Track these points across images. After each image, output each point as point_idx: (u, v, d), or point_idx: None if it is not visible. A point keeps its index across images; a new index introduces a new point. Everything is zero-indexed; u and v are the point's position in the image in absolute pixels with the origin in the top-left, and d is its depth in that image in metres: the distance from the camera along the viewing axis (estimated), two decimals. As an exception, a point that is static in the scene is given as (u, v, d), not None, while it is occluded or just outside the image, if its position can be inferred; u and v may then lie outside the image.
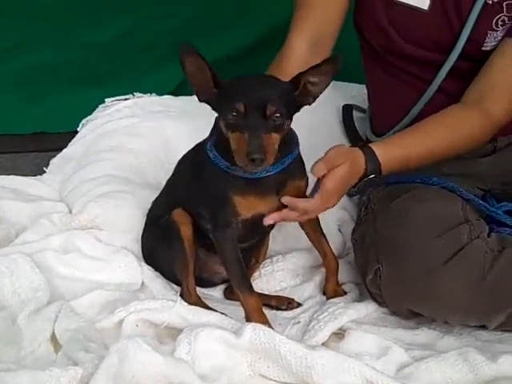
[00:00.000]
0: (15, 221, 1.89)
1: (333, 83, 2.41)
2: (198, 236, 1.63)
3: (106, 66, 2.57)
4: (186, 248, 1.62)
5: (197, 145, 1.65)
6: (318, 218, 1.69)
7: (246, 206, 1.51)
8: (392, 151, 1.65)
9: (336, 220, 1.93)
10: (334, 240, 1.87)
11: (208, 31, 2.57)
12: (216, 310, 1.62)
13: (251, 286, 1.56)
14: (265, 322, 1.54)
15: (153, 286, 1.68)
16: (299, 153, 1.58)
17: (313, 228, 1.69)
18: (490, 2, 1.70)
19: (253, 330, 1.42)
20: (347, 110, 2.25)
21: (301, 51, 1.81)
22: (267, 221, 1.53)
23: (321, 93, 1.49)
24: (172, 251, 1.64)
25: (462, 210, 1.67)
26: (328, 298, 1.73)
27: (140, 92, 2.43)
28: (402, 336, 1.61)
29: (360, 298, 1.73)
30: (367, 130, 2.09)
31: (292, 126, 2.12)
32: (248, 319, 1.56)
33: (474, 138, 1.72)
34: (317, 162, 1.53)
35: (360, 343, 1.51)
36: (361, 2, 1.83)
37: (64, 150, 2.24)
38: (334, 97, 2.31)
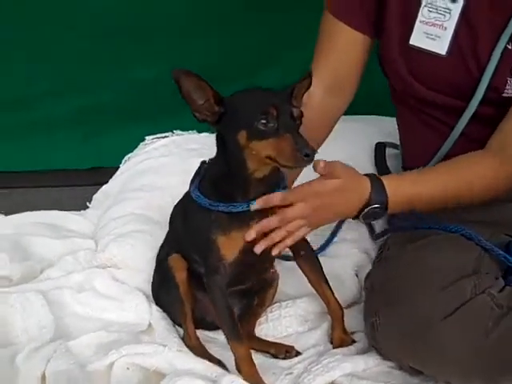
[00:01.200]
0: (44, 257, 1.97)
1: (370, 118, 2.43)
2: (196, 279, 1.64)
3: (154, 103, 2.63)
4: (182, 293, 1.64)
5: (186, 192, 1.66)
6: (318, 261, 1.66)
7: (231, 246, 1.51)
8: (402, 187, 1.60)
9: (354, 264, 1.89)
10: (350, 285, 1.84)
11: (254, 66, 2.59)
12: (211, 356, 1.62)
13: (240, 334, 1.55)
14: (253, 372, 1.52)
15: (157, 328, 1.70)
16: (286, 188, 1.56)
17: (312, 271, 1.66)
18: (510, 47, 1.62)
19: (231, 382, 1.41)
20: (380, 148, 2.19)
21: (318, 96, 1.80)
22: (257, 249, 1.49)
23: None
24: (170, 296, 1.67)
25: (477, 261, 1.59)
26: (334, 347, 1.69)
27: (183, 129, 2.47)
28: (400, 393, 1.54)
29: (369, 349, 1.67)
30: (399, 168, 2.04)
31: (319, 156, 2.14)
32: (237, 368, 1.55)
33: (487, 190, 1.63)
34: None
35: (348, 400, 1.47)
36: (381, 47, 1.79)
37: (104, 186, 2.32)
38: (369, 132, 2.28)
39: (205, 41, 2.59)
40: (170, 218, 1.74)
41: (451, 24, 1.64)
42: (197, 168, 1.63)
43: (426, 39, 1.67)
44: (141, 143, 2.45)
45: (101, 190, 2.33)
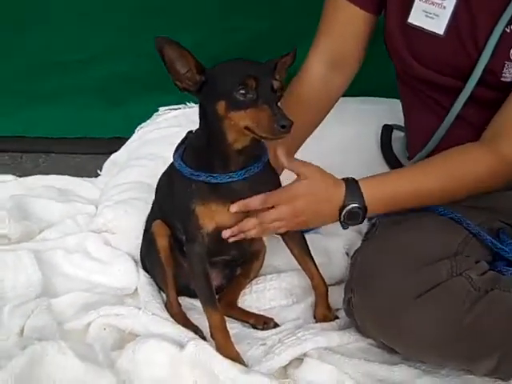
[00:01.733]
0: (44, 219, 2.01)
1: (380, 100, 2.40)
2: (180, 247, 1.65)
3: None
4: (163, 258, 1.66)
5: (171, 162, 1.67)
6: (303, 237, 1.66)
7: (208, 216, 1.52)
8: (382, 186, 1.57)
9: (345, 242, 1.88)
10: (338, 262, 1.84)
11: (278, 47, 2.57)
12: (189, 323, 1.64)
13: (216, 301, 1.56)
14: (226, 339, 1.54)
15: (141, 293, 1.73)
16: (269, 162, 1.57)
17: (297, 247, 1.66)
18: (508, 30, 1.57)
19: (195, 346, 1.44)
20: (386, 130, 2.17)
21: (318, 72, 1.80)
22: (225, 234, 1.52)
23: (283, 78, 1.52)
24: (152, 261, 1.70)
25: (462, 244, 1.56)
26: (317, 322, 1.69)
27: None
28: (375, 371, 1.53)
29: (350, 325, 1.67)
30: (403, 151, 2.02)
31: (327, 139, 2.13)
32: (211, 335, 1.56)
33: (481, 180, 1.58)
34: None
35: (314, 373, 1.47)
36: (385, 25, 1.76)
37: (113, 155, 2.36)
38: (378, 114, 2.25)
39: (218, 16, 2.58)
40: (156, 186, 1.76)
41: (450, 3, 1.61)
42: (183, 137, 1.63)
43: (425, 18, 1.63)
44: (154, 114, 2.47)
45: (110, 158, 2.37)
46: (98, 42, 2.63)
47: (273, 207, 1.51)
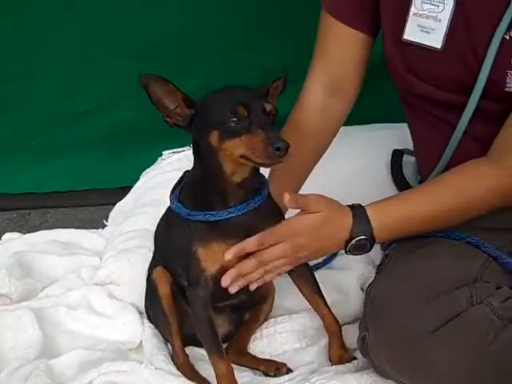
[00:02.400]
0: (47, 275, 1.95)
1: (388, 125, 2.31)
2: (184, 294, 1.56)
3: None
4: (165, 306, 1.58)
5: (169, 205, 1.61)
6: (312, 275, 1.57)
7: (210, 258, 1.43)
8: (387, 212, 1.48)
9: (359, 276, 1.78)
10: (354, 298, 1.75)
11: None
12: (197, 375, 1.55)
13: (222, 349, 1.47)
14: (233, 390, 1.44)
15: (146, 346, 1.64)
16: (270, 195, 1.49)
17: (306, 285, 1.57)
18: (508, 38, 1.48)
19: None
20: (397, 155, 2.08)
21: (317, 98, 1.73)
22: (225, 281, 1.42)
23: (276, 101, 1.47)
24: (154, 311, 1.63)
25: (479, 271, 1.46)
26: (333, 364, 1.58)
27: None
28: (396, 416, 1.42)
29: (368, 366, 1.56)
30: (414, 176, 1.93)
31: (336, 169, 2.05)
32: (218, 387, 1.47)
33: (488, 201, 1.48)
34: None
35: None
36: (383, 45, 1.69)
37: (118, 203, 2.30)
38: (387, 140, 2.17)
39: (229, 58, 2.54)
40: (155, 231, 1.69)
41: (446, 15, 1.53)
42: (179, 177, 1.57)
43: (420, 33, 1.56)
44: (159, 158, 2.42)
45: (115, 207, 2.31)
46: (102, 91, 2.59)
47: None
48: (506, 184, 1.46)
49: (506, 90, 1.50)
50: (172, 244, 1.54)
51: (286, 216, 1.56)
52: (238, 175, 1.41)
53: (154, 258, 1.71)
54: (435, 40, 1.54)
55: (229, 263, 1.42)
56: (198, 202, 1.45)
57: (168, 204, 1.97)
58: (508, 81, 1.49)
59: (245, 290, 1.51)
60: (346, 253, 1.48)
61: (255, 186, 1.45)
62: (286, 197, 1.40)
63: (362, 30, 1.67)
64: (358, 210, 1.46)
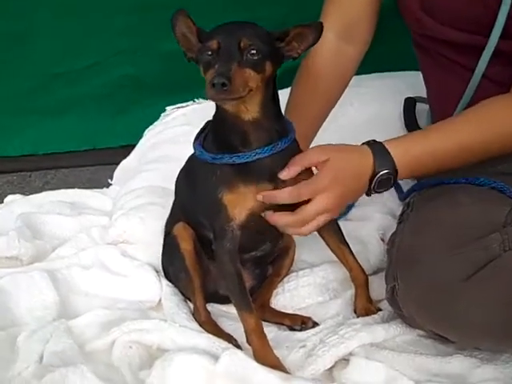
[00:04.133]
0: (57, 235, 1.90)
1: (400, 73, 2.26)
2: (207, 249, 1.53)
3: (185, 75, 2.51)
4: (188, 264, 1.53)
5: (190, 155, 1.56)
6: (338, 226, 1.53)
7: (238, 203, 1.39)
8: (408, 147, 1.44)
9: (378, 226, 1.75)
10: (374, 249, 1.71)
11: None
12: (221, 331, 1.52)
13: (251, 303, 1.43)
14: (263, 344, 1.41)
15: (166, 304, 1.60)
16: (296, 140, 1.44)
17: (332, 237, 1.53)
18: None
19: (229, 356, 1.31)
20: (409, 103, 2.03)
21: (330, 43, 1.68)
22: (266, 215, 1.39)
23: (303, 51, 1.38)
24: (175, 268, 1.58)
25: (508, 215, 1.42)
26: (358, 316, 1.55)
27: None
28: (428, 364, 1.40)
29: (394, 317, 1.53)
30: (429, 124, 1.88)
31: (346, 119, 2.00)
32: (247, 341, 1.44)
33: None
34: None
35: (362, 374, 1.34)
36: None
37: (122, 162, 2.24)
38: (399, 88, 2.12)
39: (232, 12, 2.46)
40: (175, 185, 1.63)
41: None
42: (202, 126, 1.52)
43: None
44: (162, 114, 2.36)
45: (120, 165, 2.26)
46: (100, 47, 2.53)
47: (308, 200, 1.38)
48: None
49: None
50: (196, 194, 1.48)
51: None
52: (242, 113, 1.35)
53: (172, 213, 1.66)
54: None
55: (258, 208, 1.39)
56: (222, 146, 1.40)
57: (179, 161, 1.93)
58: None
59: (271, 237, 1.52)
60: (369, 191, 1.44)
61: (277, 128, 1.40)
62: (284, 172, 1.38)
63: None
64: (376, 146, 1.43)
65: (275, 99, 1.40)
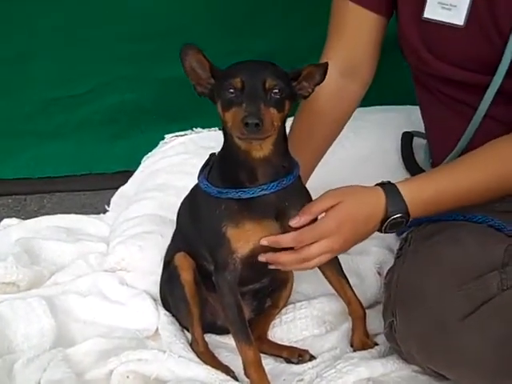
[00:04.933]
0: (54, 261, 1.90)
1: (398, 108, 2.30)
2: (206, 280, 1.54)
3: (183, 103, 2.54)
4: (187, 294, 1.54)
5: (193, 186, 1.57)
6: (337, 259, 1.54)
7: (242, 237, 1.40)
8: (421, 190, 1.46)
9: (376, 261, 1.76)
10: (371, 283, 1.72)
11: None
12: (218, 362, 1.52)
13: (250, 336, 1.44)
14: (261, 377, 1.42)
15: (164, 334, 1.60)
16: (299, 177, 1.47)
17: (331, 270, 1.54)
18: None
19: (229, 389, 1.30)
20: (406, 138, 2.05)
21: (332, 81, 1.68)
22: (262, 258, 1.41)
23: (313, 90, 1.43)
24: (175, 298, 1.59)
25: (505, 254, 1.44)
26: (355, 350, 1.56)
27: (206, 127, 2.39)
28: (423, 401, 1.40)
29: (391, 352, 1.54)
30: (426, 160, 1.90)
31: (345, 152, 2.03)
32: (245, 373, 1.44)
33: None
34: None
35: (361, 409, 1.34)
36: (398, 25, 1.67)
37: (120, 188, 2.25)
38: (396, 122, 2.15)
39: (227, 41, 2.49)
40: (177, 215, 1.65)
41: None
42: (206, 159, 1.53)
43: (441, 10, 1.53)
44: (160, 142, 2.38)
45: (118, 192, 2.26)
46: (100, 73, 2.54)
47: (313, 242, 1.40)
48: None
49: None
50: (199, 226, 1.49)
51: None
52: (255, 150, 1.37)
53: (173, 242, 1.67)
54: (457, 17, 1.51)
55: (260, 245, 1.41)
56: (228, 181, 1.42)
57: (177, 189, 1.96)
58: None
59: (270, 272, 1.52)
60: (381, 232, 1.46)
61: (284, 164, 1.42)
62: (295, 221, 1.40)
63: (377, 12, 1.65)
64: (388, 188, 1.44)
65: (285, 136, 1.43)
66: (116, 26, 2.47)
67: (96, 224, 2.15)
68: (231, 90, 1.33)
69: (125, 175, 2.41)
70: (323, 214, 1.43)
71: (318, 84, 1.40)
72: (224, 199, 1.40)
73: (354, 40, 1.68)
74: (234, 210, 1.39)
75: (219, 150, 1.48)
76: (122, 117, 2.60)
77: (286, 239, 1.40)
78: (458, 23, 1.51)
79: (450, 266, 1.39)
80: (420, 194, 1.45)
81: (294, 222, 1.40)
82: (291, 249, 1.42)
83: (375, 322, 1.61)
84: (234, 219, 1.39)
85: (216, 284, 1.46)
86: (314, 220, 1.43)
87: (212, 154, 1.51)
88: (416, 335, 1.37)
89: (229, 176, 1.41)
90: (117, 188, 2.36)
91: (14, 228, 2.10)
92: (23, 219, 2.21)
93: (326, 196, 1.43)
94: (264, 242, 1.39)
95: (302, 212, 1.41)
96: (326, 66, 1.38)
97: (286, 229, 1.42)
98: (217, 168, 1.45)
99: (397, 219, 1.43)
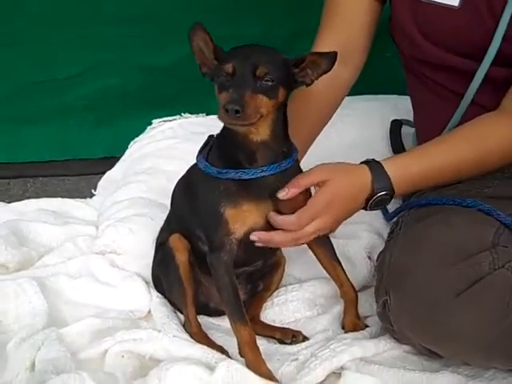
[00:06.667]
0: (43, 243, 1.89)
1: (387, 96, 2.32)
2: (201, 261, 1.54)
3: (169, 89, 2.54)
4: (182, 275, 1.54)
5: (189, 167, 1.57)
6: (330, 243, 1.56)
7: (239, 219, 1.41)
8: (406, 167, 1.50)
9: (365, 246, 1.77)
10: (361, 267, 1.74)
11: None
12: (212, 343, 1.53)
13: (245, 316, 1.44)
14: (256, 357, 1.42)
15: (156, 315, 1.61)
16: (298, 161, 1.48)
17: (325, 254, 1.56)
18: None
19: (226, 367, 1.32)
20: (396, 125, 2.08)
21: None
22: (253, 236, 1.43)
23: (316, 78, 1.42)
24: (169, 279, 1.58)
25: (495, 236, 1.47)
26: (346, 332, 1.58)
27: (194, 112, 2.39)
28: (417, 379, 1.42)
29: (382, 334, 1.56)
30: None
31: (334, 139, 2.04)
32: (240, 353, 1.45)
33: (506, 153, 1.51)
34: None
35: (354, 387, 1.36)
36: (391, 9, 1.68)
37: (107, 172, 2.25)
38: (385, 111, 2.17)
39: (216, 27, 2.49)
40: (172, 196, 1.64)
41: None
42: (205, 141, 1.53)
43: None
44: (148, 127, 2.37)
45: (105, 176, 2.26)
46: (83, 58, 2.52)
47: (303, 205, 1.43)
48: None
49: None
50: (196, 206, 1.49)
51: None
52: (252, 134, 1.38)
53: (167, 224, 1.66)
54: None
55: (258, 225, 1.42)
56: (227, 162, 1.42)
57: (167, 173, 1.96)
58: None
59: (264, 254, 1.55)
60: (366, 209, 1.49)
61: (283, 149, 1.43)
62: (283, 193, 1.41)
63: None
64: (374, 166, 1.47)
65: (285, 122, 1.44)
66: (101, 10, 2.46)
67: (83, 208, 2.14)
68: (224, 75, 1.34)
69: (110, 161, 2.41)
70: (313, 188, 1.45)
71: (325, 73, 1.40)
72: (222, 180, 1.41)
73: (348, 25, 1.70)
74: (232, 191, 1.40)
75: (218, 132, 1.48)
76: (107, 102, 2.57)
77: (287, 221, 1.42)
78: (453, 4, 1.54)
79: (442, 246, 1.42)
80: (405, 170, 1.49)
81: (281, 195, 1.41)
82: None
83: (365, 305, 1.64)
84: (232, 200, 1.40)
85: (211, 265, 1.46)
86: (302, 196, 1.45)
87: (210, 136, 1.52)
88: (410, 312, 1.39)
89: (228, 157, 1.42)
90: (102, 174, 2.35)
91: (0, 210, 2.08)
92: (7, 203, 2.19)
93: (315, 170, 1.45)
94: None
95: (289, 184, 1.42)
96: (333, 55, 1.38)
97: (278, 208, 1.43)
98: (216, 149, 1.46)
99: (381, 196, 1.47)
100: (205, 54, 1.40)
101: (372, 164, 1.47)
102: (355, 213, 1.51)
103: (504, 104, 1.53)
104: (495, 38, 1.51)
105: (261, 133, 1.39)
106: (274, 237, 1.44)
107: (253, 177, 1.39)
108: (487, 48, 1.53)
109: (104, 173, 2.34)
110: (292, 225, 1.42)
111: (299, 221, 1.42)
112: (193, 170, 1.54)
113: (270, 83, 1.34)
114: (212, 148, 1.48)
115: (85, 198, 2.26)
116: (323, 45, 1.71)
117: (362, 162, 1.49)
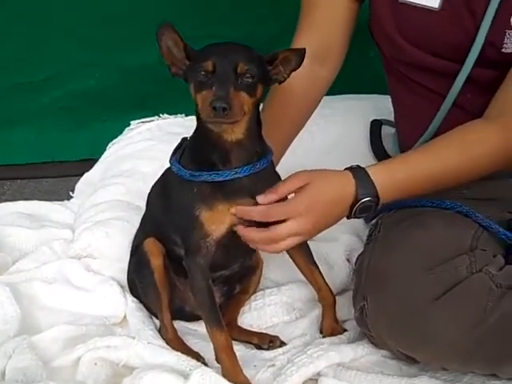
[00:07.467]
0: (18, 247, 1.86)
1: (367, 96, 2.30)
2: (176, 265, 1.52)
3: (148, 90, 2.51)
4: (157, 279, 1.52)
5: (165, 170, 1.55)
6: (308, 247, 1.54)
7: (215, 220, 1.39)
8: (392, 173, 1.46)
9: (345, 248, 1.76)
10: (341, 271, 1.72)
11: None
12: (188, 349, 1.51)
13: (221, 321, 1.42)
14: (233, 363, 1.40)
15: (131, 320, 1.58)
16: (272, 162, 1.46)
17: (302, 258, 1.54)
18: None
19: (200, 375, 1.30)
20: (375, 126, 2.06)
21: (303, 66, 1.68)
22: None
23: (288, 75, 1.41)
24: (144, 284, 1.56)
25: (473, 239, 1.45)
26: (324, 337, 1.56)
27: (172, 113, 2.36)
28: (395, 385, 1.41)
29: (360, 338, 1.55)
30: (395, 148, 1.91)
31: (313, 139, 2.02)
32: (217, 359, 1.43)
33: (492, 160, 1.48)
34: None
35: (331, 394, 1.34)
36: (371, 10, 1.66)
37: (85, 174, 2.22)
38: (365, 110, 2.15)
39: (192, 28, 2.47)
40: (148, 199, 1.62)
41: None
42: (178, 143, 1.51)
43: None
44: (126, 128, 2.34)
45: (82, 178, 2.23)
46: (60, 60, 2.49)
47: (283, 221, 1.39)
48: (505, 145, 1.46)
49: (503, 50, 1.50)
50: (170, 210, 1.47)
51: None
52: (227, 134, 1.36)
53: (142, 227, 1.64)
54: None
55: (233, 227, 1.40)
56: (201, 164, 1.40)
57: (144, 175, 1.94)
58: (506, 41, 1.49)
59: (242, 255, 1.54)
60: (350, 217, 1.45)
61: (257, 149, 1.41)
62: (261, 198, 1.39)
63: None
64: (358, 172, 1.43)
65: (259, 120, 1.42)
66: (78, 11, 2.43)
67: (60, 211, 2.10)
68: (203, 73, 1.32)
69: (88, 163, 2.37)
70: (292, 195, 1.42)
71: (294, 70, 1.39)
72: (196, 182, 1.39)
73: (325, 24, 1.67)
74: (206, 193, 1.38)
75: (191, 134, 1.46)
76: (85, 104, 2.55)
77: (254, 211, 1.39)
78: (433, 6, 1.52)
79: (419, 250, 1.40)
80: (391, 177, 1.45)
81: (260, 199, 1.39)
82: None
83: (344, 309, 1.62)
84: (206, 202, 1.38)
85: (187, 268, 1.44)
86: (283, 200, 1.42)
87: (184, 138, 1.50)
88: (387, 318, 1.37)
89: (202, 159, 1.40)
90: (80, 176, 2.32)
91: (-25, 214, 2.04)
92: (-16, 206, 2.16)
93: (293, 177, 1.43)
94: (233, 210, 1.38)
95: (268, 191, 1.40)
96: (302, 52, 1.37)
97: None
98: (189, 151, 1.44)
99: (365, 203, 1.43)
100: (174, 53, 1.37)
101: (356, 170, 1.43)
102: (338, 220, 1.47)
103: (489, 111, 1.50)
104: (477, 39, 1.49)
105: (236, 132, 1.37)
106: (250, 232, 1.41)
107: (226, 178, 1.37)
108: (468, 50, 1.51)
109: (82, 175, 2.31)
110: (260, 213, 1.39)
111: (268, 211, 1.39)
112: (168, 172, 1.51)
113: (250, 80, 1.32)
114: (185, 150, 1.45)
115: (63, 200, 2.23)
116: (301, 44, 1.67)
117: (345, 168, 1.45)
